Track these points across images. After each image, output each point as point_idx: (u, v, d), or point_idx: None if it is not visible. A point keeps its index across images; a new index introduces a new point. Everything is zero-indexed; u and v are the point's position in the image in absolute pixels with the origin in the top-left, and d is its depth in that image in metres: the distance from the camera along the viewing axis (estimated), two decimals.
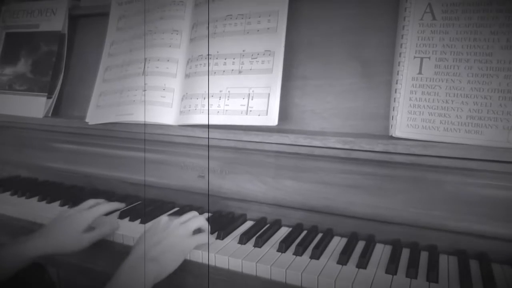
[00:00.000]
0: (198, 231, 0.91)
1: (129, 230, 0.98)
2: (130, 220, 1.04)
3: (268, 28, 1.01)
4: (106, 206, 1.01)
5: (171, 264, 0.81)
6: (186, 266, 0.86)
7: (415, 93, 0.87)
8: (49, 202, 1.16)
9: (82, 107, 1.33)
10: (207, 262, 0.86)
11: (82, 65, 1.39)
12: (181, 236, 0.84)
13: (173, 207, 1.14)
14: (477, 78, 0.83)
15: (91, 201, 1.01)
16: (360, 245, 0.89)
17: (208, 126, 1.03)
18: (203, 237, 0.88)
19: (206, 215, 0.95)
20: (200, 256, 0.86)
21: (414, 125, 0.87)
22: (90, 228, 0.94)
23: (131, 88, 1.15)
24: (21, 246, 0.87)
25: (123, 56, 1.21)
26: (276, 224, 1.00)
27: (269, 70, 0.99)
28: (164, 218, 0.89)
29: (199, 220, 0.90)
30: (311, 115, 1.02)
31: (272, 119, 0.96)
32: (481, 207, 0.82)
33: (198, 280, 0.85)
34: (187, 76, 1.11)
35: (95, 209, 0.98)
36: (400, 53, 0.89)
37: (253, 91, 0.99)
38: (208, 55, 1.07)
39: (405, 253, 0.86)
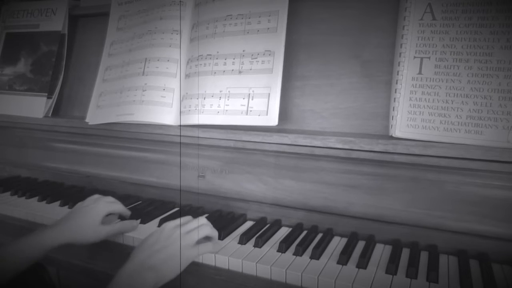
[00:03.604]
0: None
1: None
2: (130, 219, 1.04)
3: (268, 28, 1.01)
4: (121, 207, 1.02)
5: (170, 273, 0.78)
6: (187, 266, 0.86)
7: (415, 93, 0.87)
8: (49, 202, 1.16)
9: (82, 107, 1.33)
10: (207, 262, 0.86)
11: (82, 65, 1.39)
12: (184, 246, 0.82)
13: (173, 207, 1.14)
14: (477, 78, 0.83)
15: (110, 198, 1.02)
16: (360, 245, 0.89)
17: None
18: (206, 248, 0.85)
19: (205, 218, 0.91)
20: (200, 256, 0.86)
21: (414, 125, 0.87)
22: (108, 222, 0.96)
23: (131, 88, 1.15)
24: (41, 234, 0.87)
25: (123, 56, 1.22)
26: (276, 224, 1.00)
27: (269, 70, 0.99)
28: (169, 225, 0.86)
29: (206, 230, 0.87)
30: (311, 115, 1.02)
31: (272, 119, 0.96)
32: (481, 207, 0.83)
33: (198, 280, 0.85)
34: (187, 76, 1.11)
35: (112, 204, 0.99)
36: (400, 53, 0.89)
37: (253, 91, 0.99)
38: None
39: (405, 253, 0.86)
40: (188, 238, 0.83)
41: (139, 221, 1.02)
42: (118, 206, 1.01)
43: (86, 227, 0.91)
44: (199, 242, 0.85)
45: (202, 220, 0.89)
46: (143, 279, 0.74)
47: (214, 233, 0.89)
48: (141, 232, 0.97)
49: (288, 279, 0.79)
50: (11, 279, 0.83)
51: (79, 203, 0.99)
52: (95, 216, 0.93)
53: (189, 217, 0.91)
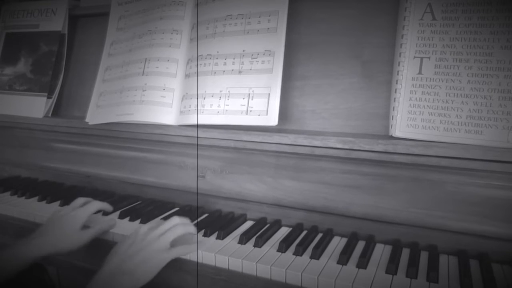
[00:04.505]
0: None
1: (129, 231, 0.97)
2: (130, 220, 1.04)
3: (268, 28, 1.01)
4: (98, 204, 1.02)
5: (146, 277, 0.79)
6: (186, 266, 0.87)
7: (415, 93, 0.87)
8: (49, 202, 1.16)
9: (82, 107, 1.33)
10: (207, 262, 0.86)
11: (82, 65, 1.39)
12: (158, 249, 0.82)
13: (173, 207, 1.14)
14: (477, 78, 0.83)
15: (81, 199, 1.03)
16: (360, 245, 0.89)
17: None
18: (180, 251, 0.85)
19: (188, 220, 0.92)
20: (200, 256, 0.86)
21: (414, 125, 0.87)
22: (86, 226, 0.96)
23: (131, 88, 1.15)
24: (22, 247, 0.87)
25: (123, 56, 1.22)
26: (276, 224, 1.00)
27: (269, 70, 0.99)
28: (142, 228, 0.87)
29: (179, 230, 0.87)
30: (311, 115, 1.02)
31: (272, 119, 0.96)
32: (481, 207, 0.83)
33: (198, 280, 0.85)
34: (187, 76, 1.11)
35: (87, 207, 0.99)
36: (400, 53, 0.89)
37: (253, 91, 0.99)
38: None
39: (405, 253, 0.86)
40: (161, 241, 0.84)
41: (117, 214, 1.04)
42: (95, 205, 1.01)
43: (67, 237, 0.91)
44: (174, 242, 0.86)
45: (175, 220, 0.89)
46: (118, 283, 0.76)
47: (191, 228, 0.89)
48: None
49: (288, 279, 0.79)
50: None
51: (55, 212, 0.99)
52: (75, 224, 0.94)
53: (160, 221, 0.91)
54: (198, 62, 1.09)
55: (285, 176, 0.99)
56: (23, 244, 0.88)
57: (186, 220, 0.91)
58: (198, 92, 1.06)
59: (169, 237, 0.85)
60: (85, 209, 0.98)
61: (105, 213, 1.07)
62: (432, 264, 0.79)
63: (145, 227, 0.88)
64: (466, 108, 0.83)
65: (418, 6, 0.89)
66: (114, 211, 1.08)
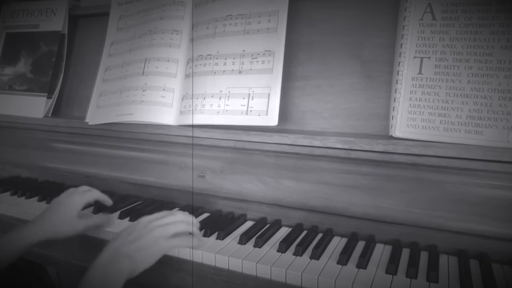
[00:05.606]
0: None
1: None
2: (130, 220, 1.04)
3: (268, 28, 1.01)
4: (97, 193, 1.02)
5: (145, 262, 0.79)
6: (186, 266, 0.87)
7: (415, 93, 0.87)
8: (49, 202, 1.16)
9: (82, 107, 1.33)
10: (207, 262, 0.86)
11: (82, 65, 1.39)
12: (158, 237, 0.82)
13: (173, 207, 1.13)
14: (477, 78, 0.83)
15: (85, 187, 1.02)
16: (360, 245, 0.89)
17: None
18: (181, 241, 0.85)
19: (193, 217, 0.91)
20: (200, 256, 0.86)
21: (414, 125, 0.87)
22: (84, 216, 0.96)
23: (131, 88, 1.15)
24: (16, 234, 0.88)
25: (123, 56, 1.22)
26: (276, 224, 1.00)
27: (269, 70, 0.99)
28: (145, 218, 0.87)
29: (181, 227, 0.87)
30: (311, 115, 1.02)
31: (272, 119, 0.96)
32: (481, 207, 0.83)
33: (197, 280, 0.85)
34: (187, 76, 1.11)
35: (85, 193, 0.99)
36: (400, 53, 0.89)
37: (253, 91, 0.99)
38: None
39: (405, 253, 0.86)
40: (162, 231, 0.84)
41: (117, 215, 1.04)
42: (94, 194, 1.00)
43: (62, 222, 0.92)
44: (176, 235, 0.85)
45: (179, 216, 0.88)
46: (118, 267, 0.76)
47: (195, 229, 0.88)
48: None
49: (288, 279, 0.79)
50: None
51: (55, 199, 0.99)
52: (71, 211, 0.94)
53: (166, 212, 0.90)
54: (198, 62, 1.09)
55: (285, 176, 0.99)
56: (17, 231, 0.88)
57: (190, 219, 0.89)
58: (199, 92, 1.06)
59: (170, 229, 0.85)
60: (83, 195, 0.98)
61: (106, 212, 1.07)
62: (432, 264, 0.79)
63: (148, 217, 0.87)
64: (466, 108, 0.83)
65: (418, 6, 0.89)
66: (114, 211, 1.08)
